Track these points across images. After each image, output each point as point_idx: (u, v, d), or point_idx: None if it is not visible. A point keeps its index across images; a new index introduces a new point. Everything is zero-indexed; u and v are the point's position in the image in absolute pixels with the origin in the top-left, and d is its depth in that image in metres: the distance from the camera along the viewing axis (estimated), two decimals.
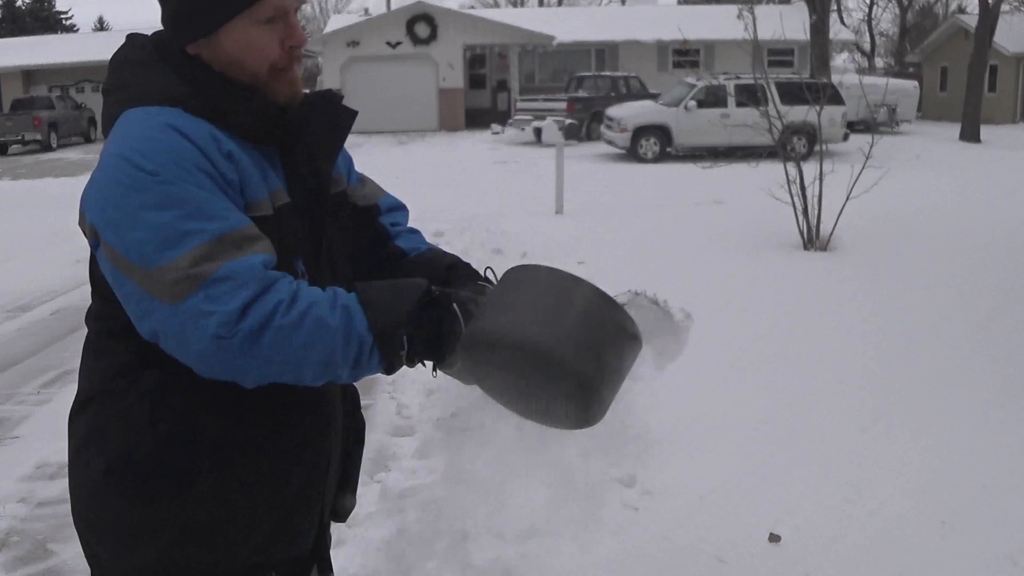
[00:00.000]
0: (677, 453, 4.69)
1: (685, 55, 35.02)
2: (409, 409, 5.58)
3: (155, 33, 1.78)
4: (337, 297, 1.59)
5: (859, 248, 9.81)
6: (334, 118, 1.82)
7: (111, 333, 1.70)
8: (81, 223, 1.62)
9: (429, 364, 1.72)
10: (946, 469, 4.51)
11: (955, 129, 26.57)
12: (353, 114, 1.85)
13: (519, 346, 1.58)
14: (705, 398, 5.43)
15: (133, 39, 1.78)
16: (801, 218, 10.04)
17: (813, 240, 9.91)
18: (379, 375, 1.64)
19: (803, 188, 10.00)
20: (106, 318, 1.70)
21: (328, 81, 34.26)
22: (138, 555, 1.68)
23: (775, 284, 8.45)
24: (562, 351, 1.56)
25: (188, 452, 1.66)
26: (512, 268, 1.72)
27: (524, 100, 29.54)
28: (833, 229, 9.79)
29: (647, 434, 4.79)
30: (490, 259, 9.66)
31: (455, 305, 1.67)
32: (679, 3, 50.70)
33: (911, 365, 6.07)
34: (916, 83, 31.05)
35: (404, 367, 1.68)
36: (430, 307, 1.65)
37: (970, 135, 25.20)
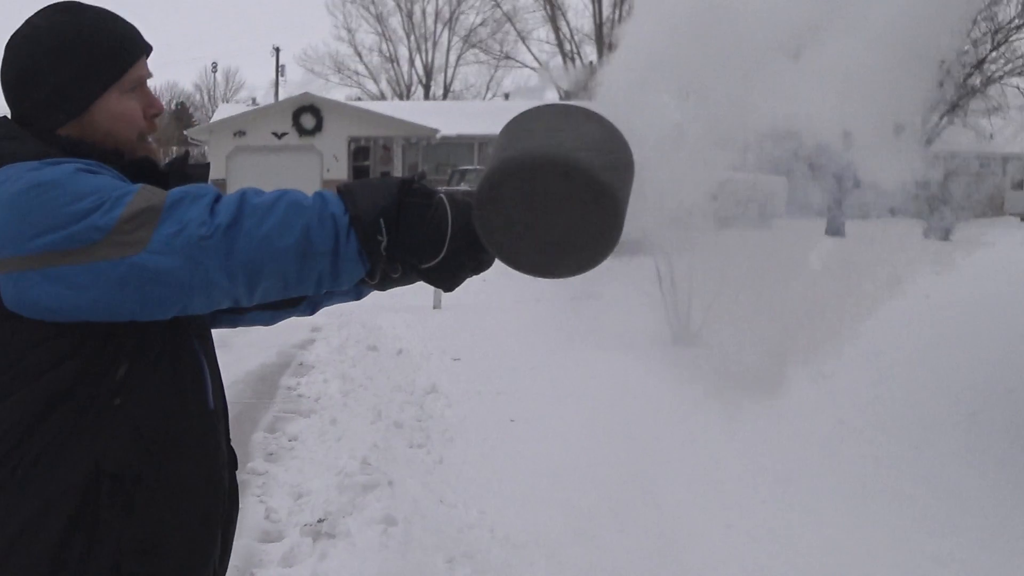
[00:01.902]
0: (545, 555, 4.73)
1: None
2: (278, 513, 5.50)
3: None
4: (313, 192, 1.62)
5: (727, 341, 10.07)
6: (189, 172, 1.87)
7: (10, 385, 1.64)
8: None
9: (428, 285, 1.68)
10: (811, 564, 4.66)
11: (823, 224, 27.58)
12: (205, 166, 1.91)
13: (556, 160, 1.53)
14: (576, 493, 5.50)
15: None
16: (671, 313, 10.30)
17: (682, 335, 10.16)
18: None
19: (673, 284, 10.27)
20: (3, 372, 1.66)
21: (214, 170, 34.02)
22: None
23: (641, 378, 8.60)
24: (587, 158, 1.55)
25: (88, 492, 1.65)
26: (517, 115, 1.70)
27: None
28: (701, 325, 10.06)
29: (513, 537, 4.84)
30: (365, 356, 9.67)
31: (441, 194, 1.63)
32: (560, 99, 51.95)
33: (773, 455, 6.25)
34: (784, 179, 32.22)
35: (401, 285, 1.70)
36: (412, 195, 1.61)
37: (835, 230, 26.18)
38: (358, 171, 36.82)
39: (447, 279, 1.66)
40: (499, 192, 1.56)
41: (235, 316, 2.00)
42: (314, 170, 34.20)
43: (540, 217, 1.56)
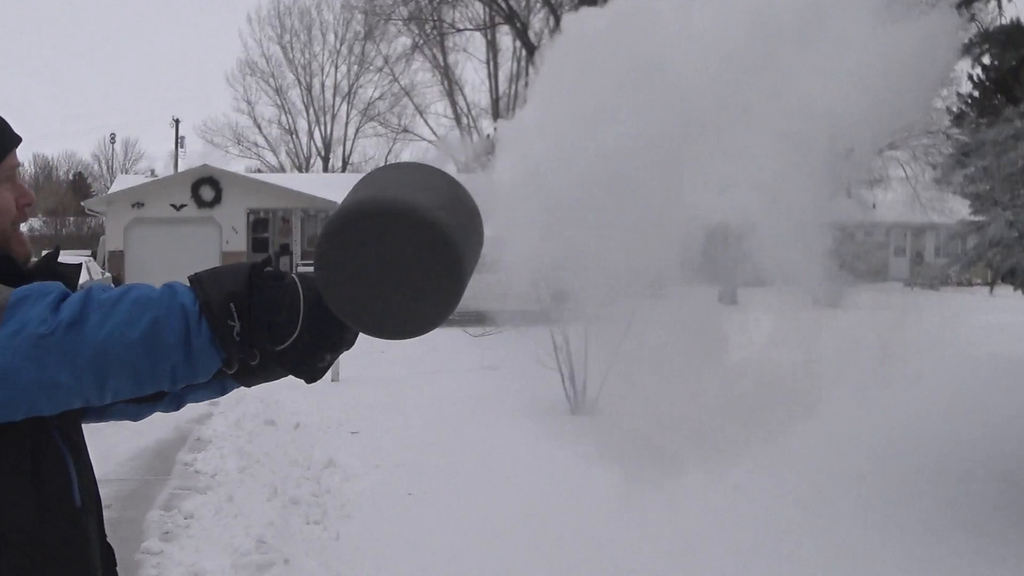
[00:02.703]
0: None
1: None
2: None
3: None
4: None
5: (623, 412, 10.18)
6: (59, 271, 1.82)
7: None
8: None
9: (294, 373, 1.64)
10: None
11: (715, 291, 28.18)
12: (76, 266, 1.86)
13: (404, 208, 1.52)
14: (475, 568, 5.49)
15: None
16: (568, 383, 10.40)
17: (579, 404, 10.25)
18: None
19: (569, 354, 10.38)
20: None
21: (111, 242, 33.43)
22: None
23: (540, 449, 8.62)
24: (433, 211, 1.53)
25: None
26: (370, 171, 1.68)
27: (306, 264, 29.59)
28: (598, 394, 10.15)
29: None
30: (262, 430, 9.55)
31: (293, 275, 1.61)
32: (458, 171, 52.36)
33: (669, 523, 6.30)
34: None
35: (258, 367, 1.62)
36: (262, 278, 1.59)
37: (728, 298, 26.78)
38: (257, 243, 36.50)
39: (306, 362, 1.63)
40: (337, 239, 1.55)
41: (100, 410, 1.93)
42: (213, 242, 33.80)
43: (379, 269, 1.54)
